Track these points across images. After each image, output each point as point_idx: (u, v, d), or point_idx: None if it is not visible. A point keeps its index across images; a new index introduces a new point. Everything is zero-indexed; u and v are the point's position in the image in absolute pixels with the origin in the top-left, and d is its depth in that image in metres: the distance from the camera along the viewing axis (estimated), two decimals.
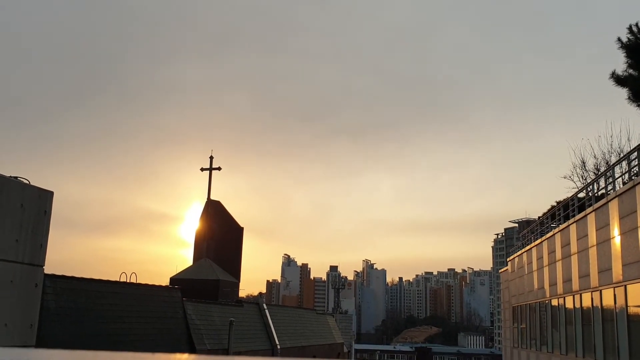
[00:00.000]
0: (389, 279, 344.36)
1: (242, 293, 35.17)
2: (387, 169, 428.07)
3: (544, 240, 28.21)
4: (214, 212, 34.26)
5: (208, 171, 34.69)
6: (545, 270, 27.64)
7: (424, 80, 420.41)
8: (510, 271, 38.29)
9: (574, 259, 22.96)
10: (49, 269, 8.48)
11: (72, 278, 18.44)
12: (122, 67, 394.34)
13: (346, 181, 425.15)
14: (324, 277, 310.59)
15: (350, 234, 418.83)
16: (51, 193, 8.50)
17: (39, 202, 8.22)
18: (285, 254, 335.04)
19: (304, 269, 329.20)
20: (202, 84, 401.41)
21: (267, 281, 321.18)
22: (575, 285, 22.74)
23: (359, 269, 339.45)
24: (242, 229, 35.03)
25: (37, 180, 8.34)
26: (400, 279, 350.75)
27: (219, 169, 34.97)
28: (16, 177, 7.98)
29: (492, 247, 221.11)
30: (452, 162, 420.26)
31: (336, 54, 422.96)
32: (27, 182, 8.10)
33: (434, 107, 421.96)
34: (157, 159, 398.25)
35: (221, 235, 33.81)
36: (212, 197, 34.50)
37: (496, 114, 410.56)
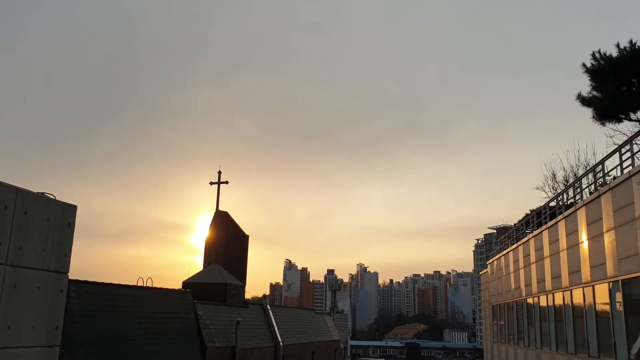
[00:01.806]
0: (380, 281, 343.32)
1: (248, 295, 34.95)
2: (378, 181, 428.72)
3: (520, 245, 28.20)
4: (222, 221, 34.19)
5: (217, 185, 34.66)
6: (521, 272, 27.60)
7: (410, 101, 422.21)
8: (489, 273, 38.23)
9: (547, 262, 22.95)
10: (73, 274, 8.45)
11: (94, 283, 18.37)
12: (140, 92, 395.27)
13: (341, 193, 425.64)
14: (322, 280, 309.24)
15: (346, 240, 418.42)
16: (75, 207, 8.49)
17: (63, 215, 8.20)
18: (287, 259, 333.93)
19: (304, 272, 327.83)
20: (212, 106, 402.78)
21: (270, 284, 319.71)
22: (548, 285, 22.71)
23: (354, 272, 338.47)
24: (248, 236, 34.94)
25: (62, 195, 8.34)
26: (391, 280, 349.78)
27: (226, 182, 34.94)
28: (43, 193, 7.97)
29: (473, 251, 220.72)
30: (436, 175, 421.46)
31: (332, 79, 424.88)
32: (53, 197, 8.09)
33: (419, 126, 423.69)
34: (170, 174, 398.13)
35: (228, 243, 33.72)
36: (220, 208, 34.45)
37: (474, 131, 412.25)
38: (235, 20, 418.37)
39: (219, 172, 34.88)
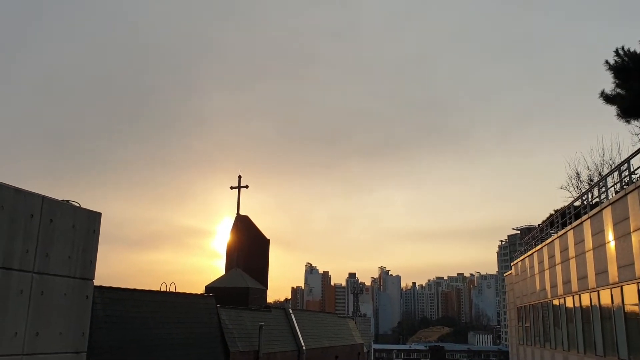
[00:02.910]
0: (403, 284, 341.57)
1: (270, 299, 35.07)
2: (398, 184, 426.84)
3: (544, 245, 27.87)
4: (243, 226, 34.36)
5: (237, 189, 34.86)
6: (546, 273, 27.27)
7: (431, 103, 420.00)
8: (514, 274, 37.84)
9: (572, 263, 22.65)
10: (97, 281, 8.59)
11: (118, 289, 18.59)
12: (161, 98, 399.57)
13: (361, 196, 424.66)
14: (344, 283, 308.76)
15: (367, 243, 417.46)
16: (99, 214, 8.63)
17: (88, 222, 8.35)
18: (308, 263, 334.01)
19: (325, 276, 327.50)
20: (231, 111, 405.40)
21: (292, 288, 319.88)
22: (575, 286, 22.41)
23: (376, 275, 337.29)
24: (269, 240, 35.06)
25: (86, 202, 8.49)
26: (414, 283, 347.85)
27: (246, 187, 35.13)
28: (68, 201, 8.13)
29: (496, 252, 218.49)
30: (458, 176, 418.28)
31: (351, 82, 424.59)
32: (78, 205, 8.23)
33: (440, 128, 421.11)
34: (191, 179, 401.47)
35: (250, 247, 33.86)
36: (241, 213, 34.63)
37: (496, 132, 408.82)
38: (253, 25, 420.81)
39: (239, 177, 35.10)
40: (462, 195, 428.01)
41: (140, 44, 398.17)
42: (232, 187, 35.09)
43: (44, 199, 7.56)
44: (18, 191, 7.16)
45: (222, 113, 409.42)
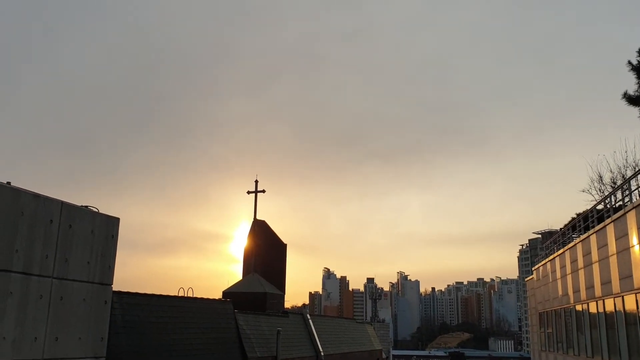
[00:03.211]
0: (422, 289, 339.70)
1: (287, 304, 35.05)
2: (415, 187, 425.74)
3: (566, 250, 27.55)
4: (260, 230, 34.43)
5: (254, 194, 34.94)
6: (569, 277, 26.94)
7: (447, 106, 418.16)
8: (535, 279, 37.43)
9: (596, 267, 22.35)
10: (115, 285, 8.68)
11: (137, 294, 18.72)
12: (178, 104, 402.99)
13: (378, 200, 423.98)
14: (362, 289, 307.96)
15: (384, 248, 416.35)
16: (117, 219, 8.72)
17: (107, 227, 8.44)
18: (325, 268, 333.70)
19: (343, 281, 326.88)
20: (247, 116, 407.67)
21: (310, 293, 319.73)
22: (598, 291, 22.11)
23: (394, 280, 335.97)
24: (286, 245, 35.08)
25: (104, 207, 8.59)
26: (433, 289, 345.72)
27: (263, 191, 35.20)
28: (87, 207, 8.23)
29: (517, 257, 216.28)
30: (476, 179, 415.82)
31: (367, 85, 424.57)
32: (96, 211, 8.33)
33: (457, 130, 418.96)
34: (208, 184, 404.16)
35: (267, 252, 33.92)
36: (258, 217, 34.69)
37: (515, 134, 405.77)
38: (269, 29, 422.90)
39: (256, 181, 35.19)
40: (480, 199, 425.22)
41: (157, 49, 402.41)
42: (248, 192, 35.20)
43: (63, 204, 7.66)
44: (37, 197, 7.26)
45: (239, 117, 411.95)
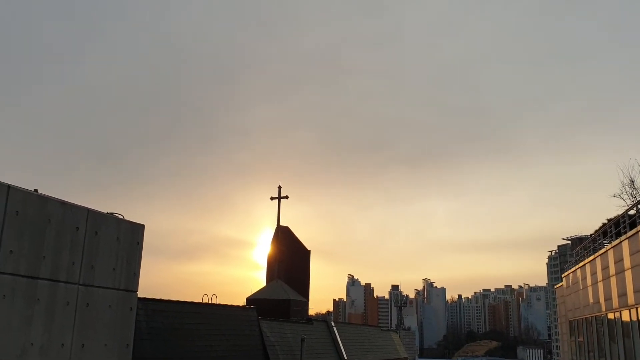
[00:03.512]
0: (448, 297, 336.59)
1: (311, 311, 35.03)
2: (442, 193, 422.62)
3: (597, 256, 27.04)
4: (284, 236, 34.51)
5: (277, 200, 35.08)
6: (600, 285, 26.44)
7: (474, 110, 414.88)
8: (565, 287, 36.82)
9: (628, 274, 21.89)
10: (139, 292, 8.78)
11: (161, 300, 18.91)
12: (203, 111, 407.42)
13: (404, 206, 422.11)
14: (387, 296, 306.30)
15: (410, 254, 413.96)
16: (142, 226, 8.83)
17: (132, 234, 8.55)
18: (350, 275, 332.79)
19: (367, 288, 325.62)
20: (271, 123, 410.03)
21: (334, 300, 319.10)
22: (631, 299, 21.64)
23: (420, 288, 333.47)
24: (309, 251, 35.10)
25: (129, 214, 8.70)
26: (460, 296, 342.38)
27: (286, 197, 35.31)
28: (112, 213, 8.34)
29: (546, 263, 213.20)
30: (504, 185, 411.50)
31: (392, 91, 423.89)
32: (122, 217, 8.45)
33: (484, 135, 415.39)
34: (232, 191, 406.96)
35: (290, 258, 33.97)
36: (281, 223, 34.81)
37: (544, 138, 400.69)
38: (293, 36, 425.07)
39: (279, 187, 35.32)
40: (508, 205, 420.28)
41: (182, 58, 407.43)
42: (272, 198, 35.34)
43: (89, 211, 7.78)
44: (64, 204, 7.39)
45: (263, 124, 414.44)
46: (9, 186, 6.64)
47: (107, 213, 8.24)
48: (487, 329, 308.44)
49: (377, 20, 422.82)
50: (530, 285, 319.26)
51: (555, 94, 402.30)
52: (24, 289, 6.74)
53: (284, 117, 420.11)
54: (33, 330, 6.81)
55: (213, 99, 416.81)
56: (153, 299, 18.45)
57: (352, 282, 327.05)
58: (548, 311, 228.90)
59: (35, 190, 7.12)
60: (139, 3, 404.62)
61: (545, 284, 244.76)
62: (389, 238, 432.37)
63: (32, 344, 6.77)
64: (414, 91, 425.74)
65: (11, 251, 6.56)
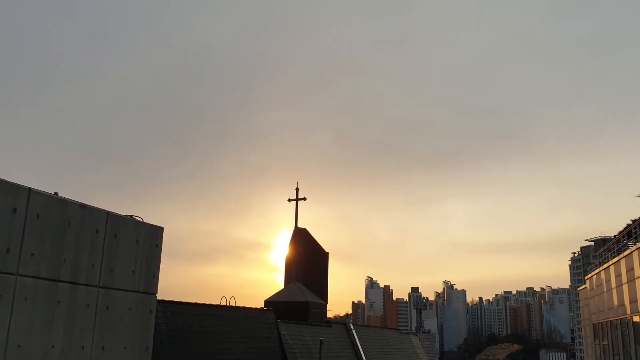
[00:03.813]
0: (469, 299, 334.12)
1: (330, 314, 35.00)
2: (462, 194, 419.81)
3: (622, 258, 26.68)
4: (301, 238, 34.54)
5: (295, 202, 35.12)
6: (625, 287, 26.07)
7: (494, 109, 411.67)
8: (589, 289, 36.36)
9: None
10: (158, 294, 8.85)
11: (179, 303, 19.02)
12: (220, 113, 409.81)
13: (423, 207, 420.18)
14: (406, 298, 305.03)
15: (429, 256, 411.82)
16: (161, 229, 8.91)
17: (151, 237, 8.63)
18: (368, 277, 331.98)
19: (387, 290, 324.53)
20: (288, 124, 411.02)
21: (352, 302, 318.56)
22: None
23: (440, 290, 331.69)
24: (328, 254, 35.07)
25: (149, 216, 8.78)
26: (480, 298, 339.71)
27: (304, 199, 35.32)
28: (131, 216, 8.43)
29: (569, 265, 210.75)
30: (525, 185, 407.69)
31: (410, 91, 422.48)
32: (141, 220, 8.53)
33: (505, 135, 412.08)
34: (249, 193, 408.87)
35: (309, 260, 33.98)
36: (299, 225, 34.82)
37: (565, 137, 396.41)
38: (309, 37, 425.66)
39: (297, 189, 35.36)
40: (529, 206, 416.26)
41: (197, 60, 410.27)
42: (289, 200, 35.39)
43: (108, 214, 7.87)
44: (84, 207, 7.48)
45: (280, 126, 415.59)
46: (29, 189, 6.75)
47: (127, 216, 8.33)
48: (509, 332, 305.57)
49: (394, 20, 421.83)
50: (553, 288, 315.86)
51: (576, 93, 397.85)
52: (45, 291, 6.83)
53: (301, 118, 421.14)
54: (54, 333, 6.91)
55: (230, 100, 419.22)
56: (172, 302, 18.57)
57: (371, 284, 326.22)
58: (571, 314, 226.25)
59: (56, 194, 7.21)
60: (156, 6, 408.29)
61: (568, 286, 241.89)
62: (408, 240, 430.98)
63: (53, 346, 6.86)
64: (433, 91, 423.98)
65: (32, 254, 6.66)
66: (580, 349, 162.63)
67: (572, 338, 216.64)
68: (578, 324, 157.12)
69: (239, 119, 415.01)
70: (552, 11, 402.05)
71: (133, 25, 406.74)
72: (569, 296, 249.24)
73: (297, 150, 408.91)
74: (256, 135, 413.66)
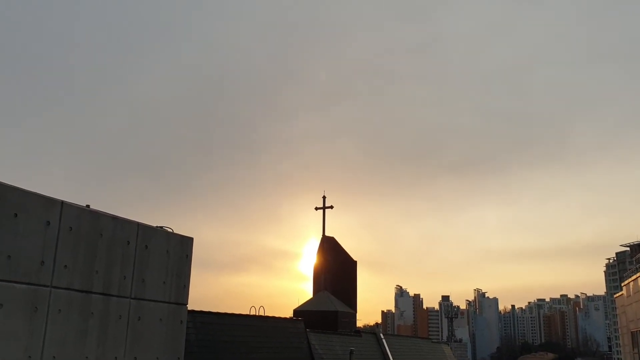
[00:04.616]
0: (501, 307, 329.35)
1: (359, 323, 34.86)
2: (491, 200, 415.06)
3: None
4: (329, 247, 34.49)
5: (322, 210, 35.14)
6: None
7: (523, 114, 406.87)
8: (625, 295, 35.54)
9: None
10: (188, 305, 8.93)
11: (210, 313, 19.15)
12: (248, 123, 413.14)
13: (452, 214, 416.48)
14: (437, 307, 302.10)
15: (459, 264, 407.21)
16: (191, 239, 8.99)
17: (181, 247, 8.72)
18: (398, 285, 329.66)
19: (416, 299, 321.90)
20: (315, 132, 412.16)
21: (382, 311, 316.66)
22: None
23: (471, 298, 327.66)
24: (356, 262, 34.95)
25: (178, 227, 8.87)
26: (513, 306, 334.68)
27: (331, 207, 35.33)
28: (162, 227, 8.52)
29: (604, 271, 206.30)
30: (556, 190, 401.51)
31: (437, 98, 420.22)
32: (171, 231, 8.62)
33: (534, 139, 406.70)
34: (277, 202, 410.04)
35: (337, 269, 33.90)
36: (326, 234, 34.81)
37: (596, 140, 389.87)
38: (336, 45, 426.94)
39: (324, 197, 35.38)
40: (562, 211, 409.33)
41: (225, 70, 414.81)
42: (316, 208, 35.42)
43: (139, 225, 7.98)
44: (115, 219, 7.60)
45: (307, 134, 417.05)
46: (62, 202, 6.88)
47: (157, 227, 8.43)
48: (543, 341, 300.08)
49: (420, 27, 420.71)
50: (588, 295, 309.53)
51: (607, 96, 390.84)
52: (79, 303, 6.95)
53: (327, 126, 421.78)
54: (88, 344, 7.01)
55: (257, 110, 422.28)
56: (201, 312, 18.71)
57: (401, 293, 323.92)
58: (607, 321, 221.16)
59: (87, 206, 7.35)
60: (183, 16, 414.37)
61: (603, 293, 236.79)
62: (437, 248, 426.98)
63: (87, 357, 6.96)
64: (460, 97, 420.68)
65: (65, 266, 6.78)
66: (618, 358, 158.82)
67: (609, 347, 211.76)
68: (615, 332, 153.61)
69: (266, 128, 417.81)
70: (581, 14, 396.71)
71: (161, 37, 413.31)
72: (605, 303, 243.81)
73: (325, 158, 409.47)
74: (283, 143, 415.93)
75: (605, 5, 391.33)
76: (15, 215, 6.26)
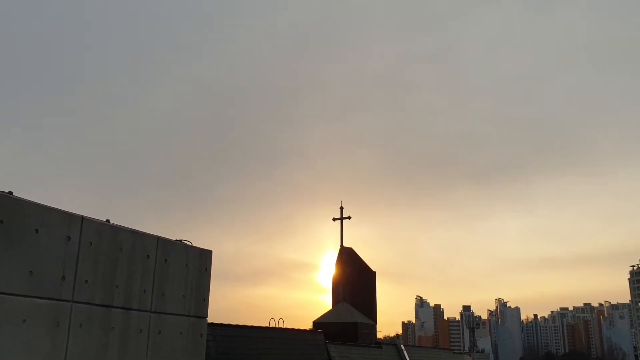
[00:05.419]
0: (523, 317, 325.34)
1: (379, 335, 34.61)
2: (512, 208, 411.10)
3: None
4: (348, 258, 34.42)
5: (339, 221, 35.11)
6: None
7: (542, 121, 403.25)
8: None
9: None
10: (208, 317, 8.96)
11: (229, 325, 19.19)
12: (264, 136, 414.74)
13: (471, 223, 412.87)
14: (458, 317, 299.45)
15: (480, 274, 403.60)
16: (210, 252, 9.04)
17: (200, 261, 8.76)
18: (418, 296, 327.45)
19: (437, 309, 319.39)
20: (331, 143, 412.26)
21: (402, 322, 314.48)
22: None
23: (492, 308, 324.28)
24: (375, 273, 34.82)
25: (197, 240, 8.91)
26: (535, 315, 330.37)
27: (349, 218, 35.29)
28: (180, 240, 8.58)
29: (628, 279, 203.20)
30: (578, 196, 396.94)
31: (454, 107, 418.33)
32: (190, 244, 8.67)
33: (554, 146, 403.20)
34: (294, 213, 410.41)
35: (356, 280, 33.80)
36: (344, 245, 34.76)
37: (618, 145, 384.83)
38: (353, 55, 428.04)
39: (341, 208, 35.36)
40: (583, 218, 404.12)
41: (240, 81, 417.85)
42: (334, 219, 35.39)
43: (158, 239, 8.04)
44: (135, 233, 7.66)
45: (323, 145, 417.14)
46: (82, 217, 6.96)
47: (176, 240, 8.48)
48: (567, 350, 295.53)
49: (437, 36, 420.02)
50: (612, 303, 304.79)
51: (627, 101, 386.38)
52: (100, 317, 7.00)
53: (344, 136, 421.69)
54: (109, 358, 7.05)
55: (272, 121, 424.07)
56: (221, 324, 18.75)
57: (421, 303, 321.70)
58: (633, 330, 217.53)
59: (107, 221, 7.42)
60: (202, 29, 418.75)
61: (628, 301, 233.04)
62: (457, 257, 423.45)
63: None
64: (478, 106, 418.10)
65: (86, 281, 6.84)
66: None
67: (636, 356, 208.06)
68: None
69: (282, 139, 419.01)
70: (599, 18, 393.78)
71: (180, 52, 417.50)
72: (630, 311, 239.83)
73: (341, 169, 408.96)
74: (299, 155, 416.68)
75: (624, 9, 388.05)
76: (37, 231, 6.34)
